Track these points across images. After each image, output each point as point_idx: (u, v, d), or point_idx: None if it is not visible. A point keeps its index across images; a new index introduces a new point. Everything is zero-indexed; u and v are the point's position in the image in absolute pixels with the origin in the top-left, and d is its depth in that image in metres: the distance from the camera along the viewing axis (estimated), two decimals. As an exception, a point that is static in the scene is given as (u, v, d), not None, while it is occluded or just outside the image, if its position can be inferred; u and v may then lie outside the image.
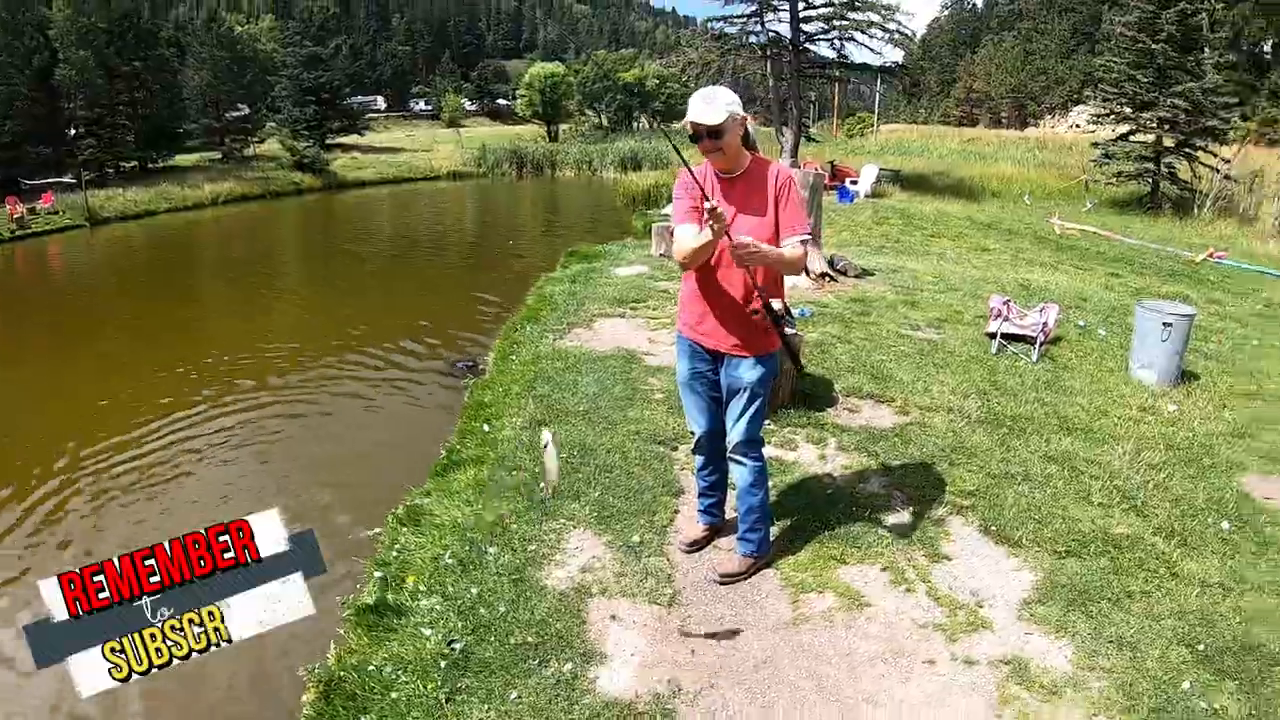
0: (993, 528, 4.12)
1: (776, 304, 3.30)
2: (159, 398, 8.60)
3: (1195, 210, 23.31)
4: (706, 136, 3.19)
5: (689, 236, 3.25)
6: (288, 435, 7.64)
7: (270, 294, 14.78)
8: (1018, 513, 4.28)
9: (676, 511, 4.19)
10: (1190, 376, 6.78)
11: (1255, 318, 10.03)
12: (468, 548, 3.79)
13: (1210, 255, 15.76)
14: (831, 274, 9.43)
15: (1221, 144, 24.86)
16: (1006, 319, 7.27)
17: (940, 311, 8.40)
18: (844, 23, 24.95)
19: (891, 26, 24.73)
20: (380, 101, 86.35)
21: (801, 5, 24.99)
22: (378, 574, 3.77)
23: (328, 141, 47.40)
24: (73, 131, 32.98)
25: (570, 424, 5.24)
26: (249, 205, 32.08)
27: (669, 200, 18.25)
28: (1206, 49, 24.12)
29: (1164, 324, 6.43)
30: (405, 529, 4.16)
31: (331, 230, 26.00)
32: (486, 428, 5.32)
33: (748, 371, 3.41)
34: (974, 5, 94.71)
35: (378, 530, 4.45)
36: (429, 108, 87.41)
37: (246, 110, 44.53)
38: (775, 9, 25.19)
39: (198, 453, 7.25)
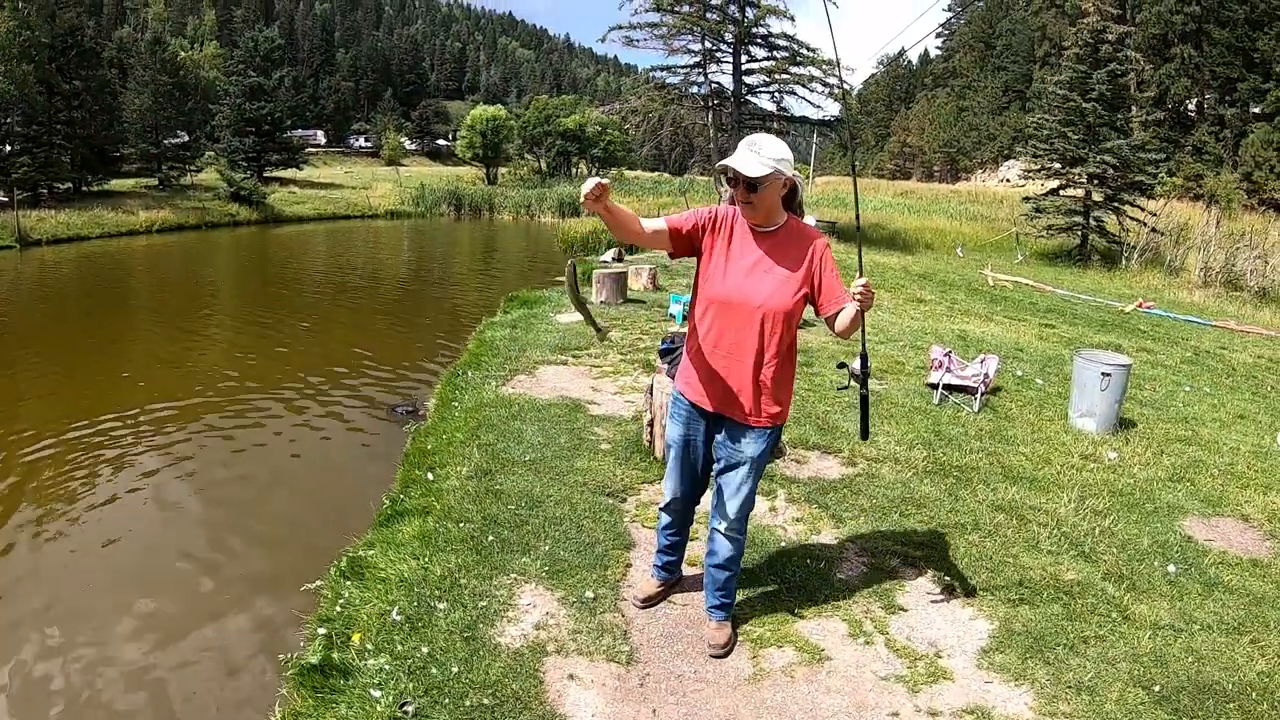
0: (946, 578, 4.11)
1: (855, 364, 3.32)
2: (74, 436, 8.11)
3: (1123, 262, 24.18)
4: (742, 186, 2.99)
5: (652, 222, 3.06)
6: (219, 481, 7.22)
7: (202, 329, 14.24)
8: (970, 562, 4.28)
9: (629, 565, 4.08)
10: (1128, 424, 6.95)
11: (1185, 365, 10.35)
12: (415, 603, 3.62)
13: (1139, 305, 16.32)
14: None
15: (1148, 198, 25.89)
16: (948, 370, 7.35)
17: (882, 362, 8.48)
18: (785, 77, 25.64)
19: (831, 81, 25.47)
20: (320, 136, 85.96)
21: (744, 58, 25.63)
22: (321, 631, 3.58)
23: (266, 174, 46.95)
24: (7, 148, 32.04)
25: (517, 474, 5.11)
26: (184, 235, 31.48)
27: (608, 246, 18.16)
28: (1134, 107, 25.23)
29: (1103, 374, 6.58)
30: (349, 582, 3.97)
31: (267, 265, 25.46)
32: (431, 477, 5.15)
33: (752, 444, 3.18)
34: (909, 62, 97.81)
35: (319, 583, 4.25)
36: (369, 145, 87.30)
37: (186, 138, 43.83)
38: (718, 61, 25.78)
39: (118, 501, 6.76)
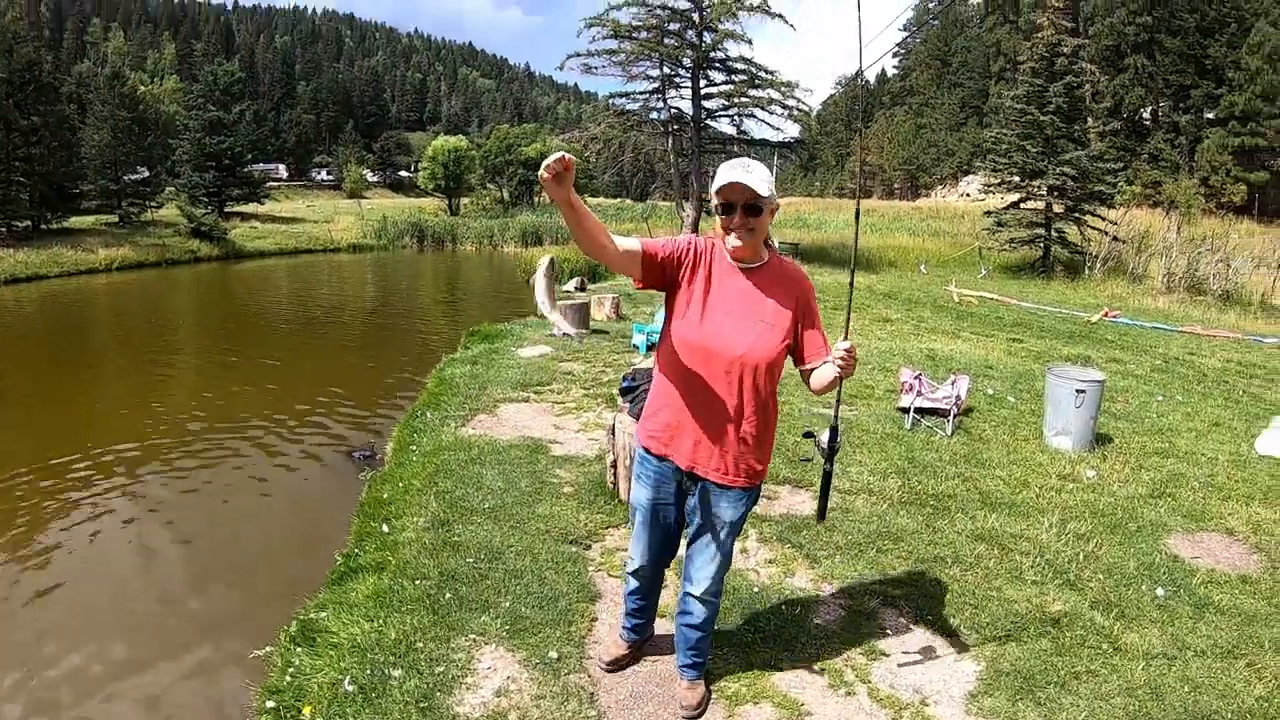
0: (928, 617, 3.94)
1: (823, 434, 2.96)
2: (32, 479, 7.73)
3: (1086, 271, 24.40)
4: (741, 210, 2.65)
5: (624, 241, 2.66)
6: (166, 533, 6.82)
7: (163, 369, 13.79)
8: (952, 599, 4.11)
9: (595, 619, 3.84)
10: (1104, 439, 6.85)
11: (1156, 373, 10.34)
12: (369, 671, 3.37)
13: (1105, 315, 16.39)
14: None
15: (1109, 207, 26.18)
16: (919, 393, 7.21)
17: (850, 387, 8.32)
18: (745, 99, 25.72)
19: (791, 103, 25.62)
20: (282, 170, 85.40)
21: (703, 83, 25.69)
22: (269, 704, 3.34)
23: (227, 209, 46.40)
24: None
25: (476, 523, 4.86)
26: (144, 273, 30.91)
27: (570, 275, 17.83)
28: (1090, 119, 25.55)
29: (1076, 390, 6.47)
30: (299, 649, 3.72)
31: (229, 302, 25.01)
32: (386, 529, 4.88)
33: (730, 508, 2.87)
34: (867, 82, 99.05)
35: (269, 648, 4.00)
36: (331, 178, 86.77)
37: (146, 173, 43.09)
38: (677, 86, 25.84)
39: (63, 547, 6.42)
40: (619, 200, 77.41)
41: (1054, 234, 25.49)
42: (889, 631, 3.83)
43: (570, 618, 3.82)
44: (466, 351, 10.47)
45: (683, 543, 3.12)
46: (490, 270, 34.95)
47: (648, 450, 2.94)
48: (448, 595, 3.94)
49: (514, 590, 4.02)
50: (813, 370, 2.78)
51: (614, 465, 5.15)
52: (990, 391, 8.38)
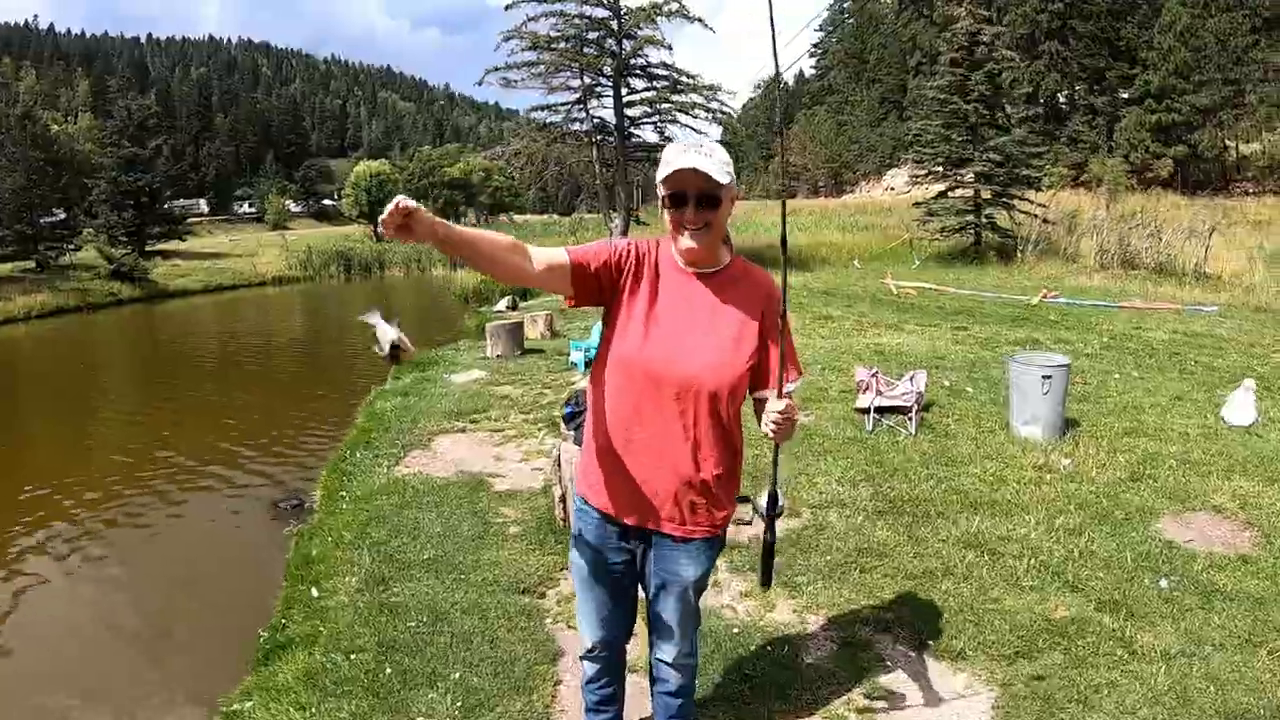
0: (928, 642, 3.56)
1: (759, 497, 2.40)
2: None
3: (1019, 255, 24.56)
4: (694, 203, 2.11)
5: (546, 253, 2.15)
6: (61, 608, 6.00)
7: (86, 422, 12.82)
8: (950, 617, 3.75)
9: (558, 683, 3.36)
10: (1071, 424, 6.62)
11: (1106, 350, 10.25)
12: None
13: (1044, 296, 16.41)
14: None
15: (1036, 190, 26.48)
16: (878, 392, 6.87)
17: (802, 389, 7.98)
18: (667, 105, 25.49)
19: (714, 106, 25.44)
20: (203, 205, 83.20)
21: (625, 91, 25.38)
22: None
23: (148, 248, 44.68)
24: None
25: (415, 579, 4.34)
26: (65, 319, 29.40)
27: (502, 295, 17.21)
28: (1009, 105, 25.83)
29: (1043, 377, 6.21)
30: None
31: (149, 345, 23.90)
32: (315, 592, 4.33)
33: (692, 563, 2.33)
34: (785, 84, 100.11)
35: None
36: (253, 210, 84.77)
37: (63, 215, 41.29)
38: (599, 95, 25.48)
39: None
40: (546, 216, 76.97)
41: (984, 220, 25.67)
42: (889, 663, 3.44)
43: (530, 684, 3.33)
44: (397, 382, 9.79)
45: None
46: (418, 294, 34.25)
47: (585, 500, 2.39)
48: (388, 670, 3.42)
49: (463, 657, 3.51)
50: (764, 400, 2.24)
51: (562, 499, 4.69)
52: (946, 384, 8.11)
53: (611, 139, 25.57)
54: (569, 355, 10.24)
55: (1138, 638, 3.56)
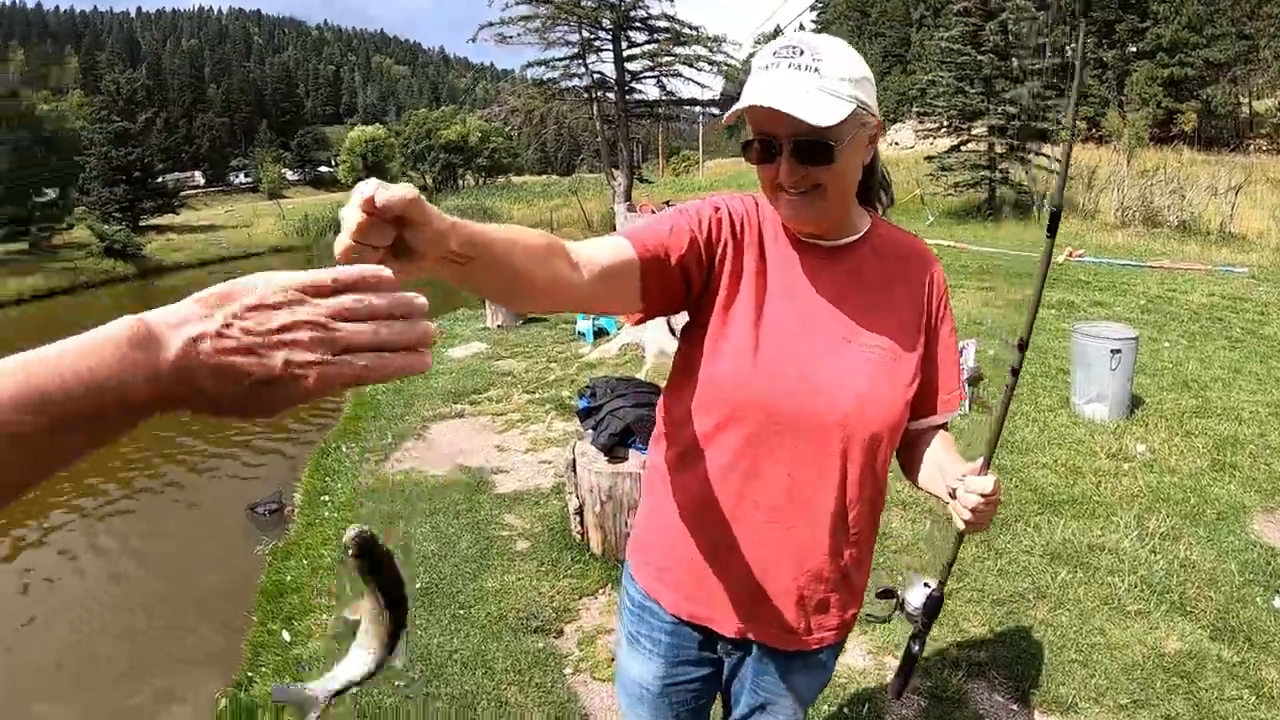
0: (1031, 691, 2.92)
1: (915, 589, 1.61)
2: None
3: (1035, 211, 23.82)
4: (789, 153, 1.28)
5: (592, 249, 1.22)
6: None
7: None
8: (1051, 655, 3.11)
9: None
10: (1136, 402, 5.95)
11: (1145, 314, 9.56)
12: None
13: (1071, 255, 15.71)
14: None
15: (1053, 145, 25.69)
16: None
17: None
18: (669, 58, 24.57)
19: (719, 58, 24.51)
20: (198, 177, 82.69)
21: (624, 44, 24.44)
22: None
23: (141, 223, 44.15)
24: None
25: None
26: (58, 301, 28.73)
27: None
28: (1015, 58, 24.85)
29: (1112, 350, 5.52)
30: None
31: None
32: (287, 636, 3.63)
33: (809, 677, 1.59)
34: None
35: None
36: (249, 180, 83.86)
37: (54, 194, 40.60)
38: (597, 50, 24.55)
39: None
40: (545, 176, 75.82)
41: (999, 175, 24.86)
42: (985, 717, 2.81)
43: None
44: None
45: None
46: None
47: (650, 596, 1.57)
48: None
49: None
50: (924, 433, 1.50)
51: (579, 511, 3.99)
52: (990, 352, 7.43)
53: (611, 95, 24.67)
54: (575, 325, 9.54)
55: (1263, 675, 3.00)
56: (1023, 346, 1.43)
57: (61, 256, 35.62)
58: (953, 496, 1.33)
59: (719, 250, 1.38)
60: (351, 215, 0.74)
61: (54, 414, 0.50)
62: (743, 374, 1.35)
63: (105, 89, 47.59)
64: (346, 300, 0.62)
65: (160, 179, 48.39)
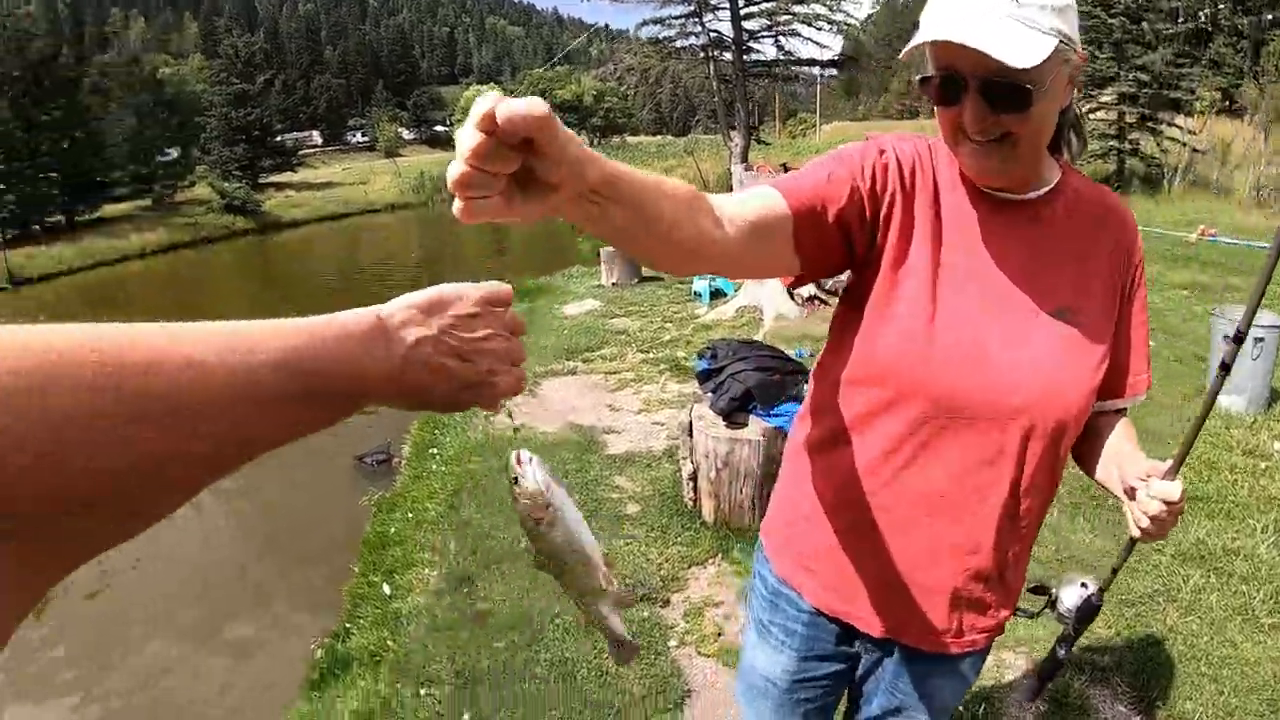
0: (1156, 701, 2.73)
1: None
2: None
3: (1166, 186, 22.59)
4: (977, 93, 1.09)
5: (741, 201, 1.08)
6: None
7: None
8: (1180, 666, 2.89)
9: None
10: (1276, 396, 5.52)
11: (1282, 302, 8.91)
12: None
13: (1202, 233, 14.82)
14: (821, 296, 7.96)
15: (1186, 116, 24.27)
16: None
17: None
18: (788, 16, 23.91)
19: (838, 18, 23.78)
20: (316, 136, 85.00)
21: (742, 1, 23.89)
22: None
23: (260, 180, 45.91)
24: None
25: (507, 577, 3.58)
26: (180, 254, 30.15)
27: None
28: (1144, 23, 23.40)
29: (1255, 339, 5.13)
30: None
31: (260, 275, 24.21)
32: (388, 589, 3.67)
33: (952, 681, 1.44)
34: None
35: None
36: (366, 139, 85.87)
37: (175, 154, 42.57)
38: (714, 8, 24.03)
39: None
40: (660, 137, 75.36)
41: (1129, 146, 23.56)
42: (1105, 727, 2.64)
43: None
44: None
45: None
46: None
47: (791, 587, 1.43)
48: (466, 717, 2.72)
49: (561, 699, 2.77)
50: (1105, 417, 1.33)
51: (693, 477, 3.91)
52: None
53: (728, 54, 24.19)
54: (691, 285, 9.41)
55: None
56: (1239, 339, 1.25)
57: (183, 212, 37.34)
58: (1130, 496, 1.17)
59: (885, 202, 1.20)
60: (469, 137, 0.65)
61: (310, 385, 0.55)
62: (912, 351, 1.18)
63: (224, 52, 49.44)
64: (514, 314, 0.74)
65: (279, 138, 50.18)
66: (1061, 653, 1.45)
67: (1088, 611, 1.39)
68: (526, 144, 0.65)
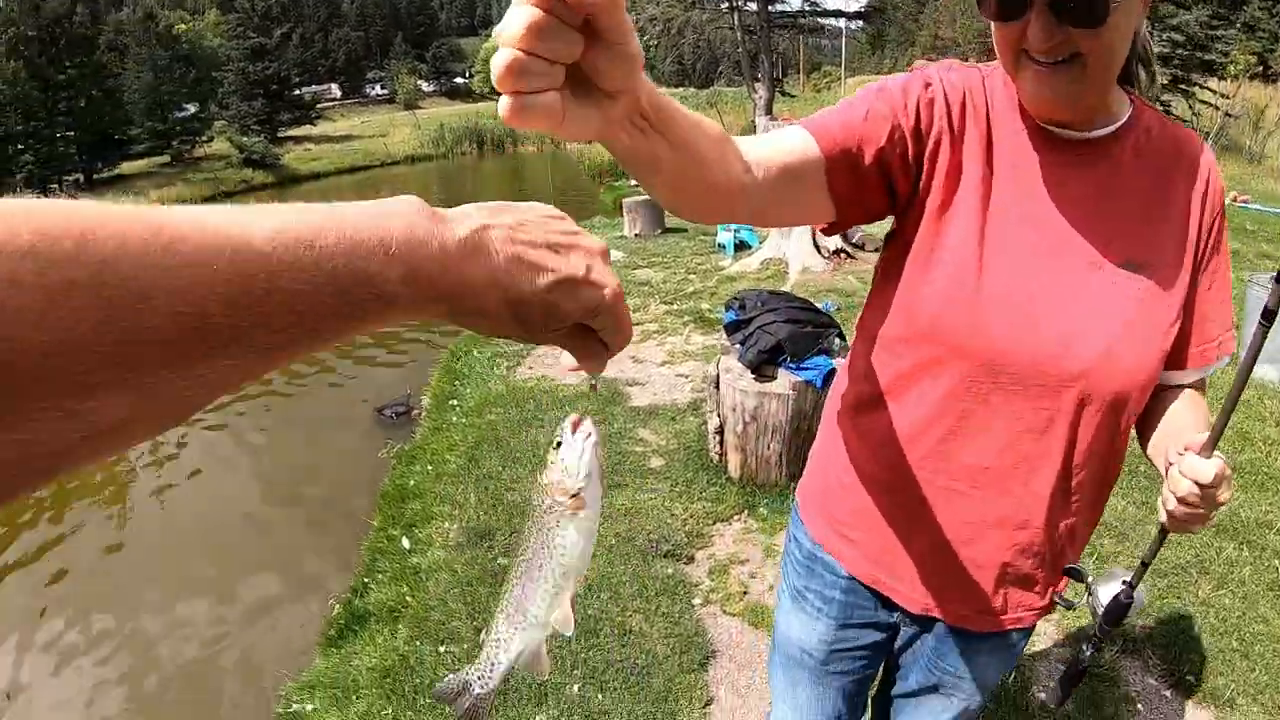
0: (1188, 678, 2.67)
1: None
2: None
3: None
4: (1052, 6, 0.93)
5: (767, 143, 0.99)
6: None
7: None
8: (1212, 640, 2.83)
9: (709, 701, 2.55)
10: (1311, 366, 5.40)
11: (1318, 270, 8.71)
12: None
13: (1235, 199, 14.52)
14: (848, 249, 7.82)
15: (1219, 79, 23.71)
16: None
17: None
18: (814, -34, 23.44)
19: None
20: (335, 89, 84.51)
21: (768, -52, 23.37)
22: None
23: (279, 134, 45.72)
24: (9, 150, 31.04)
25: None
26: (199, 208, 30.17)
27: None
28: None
29: (1290, 306, 4.99)
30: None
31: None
32: (407, 543, 3.63)
33: (995, 659, 1.36)
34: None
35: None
36: (385, 92, 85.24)
37: (193, 109, 42.43)
38: (738, -43, 23.54)
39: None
40: (682, 89, 74.49)
41: (1160, 108, 23.09)
42: (1135, 698, 2.58)
43: (671, 705, 2.52)
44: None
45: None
46: (554, 169, 32.73)
47: (825, 550, 1.36)
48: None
49: (584, 659, 2.73)
50: (1169, 389, 1.19)
51: (719, 431, 3.83)
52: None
53: (753, 4, 23.73)
54: (715, 236, 9.27)
55: None
56: (1269, 316, 1.01)
57: (202, 168, 37.36)
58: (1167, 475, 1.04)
59: (930, 141, 1.07)
60: (521, 13, 0.52)
61: (324, 264, 0.40)
62: (959, 306, 1.07)
63: (240, 6, 49.02)
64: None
65: (297, 92, 49.79)
66: (1087, 653, 1.32)
67: (1115, 612, 1.24)
68: (587, 30, 0.54)
